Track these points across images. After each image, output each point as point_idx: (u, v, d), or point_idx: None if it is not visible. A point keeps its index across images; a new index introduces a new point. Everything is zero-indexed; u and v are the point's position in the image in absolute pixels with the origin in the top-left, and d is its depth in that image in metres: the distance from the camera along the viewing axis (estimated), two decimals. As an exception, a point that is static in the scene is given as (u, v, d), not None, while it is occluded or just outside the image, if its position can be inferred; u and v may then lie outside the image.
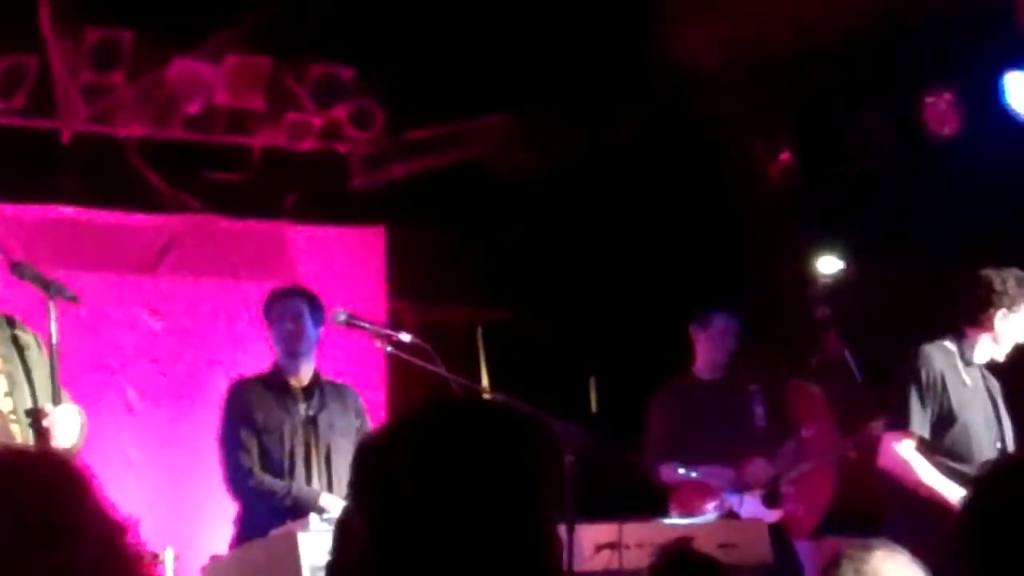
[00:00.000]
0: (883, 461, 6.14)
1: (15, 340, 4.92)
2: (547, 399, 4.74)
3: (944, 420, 6.15)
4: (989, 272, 6.19)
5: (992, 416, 6.26)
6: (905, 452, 6.09)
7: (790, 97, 8.09)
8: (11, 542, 1.98)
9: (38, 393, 4.92)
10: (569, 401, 7.44)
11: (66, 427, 4.84)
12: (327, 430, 6.41)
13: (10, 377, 4.94)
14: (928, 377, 6.14)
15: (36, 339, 5.06)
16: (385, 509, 2.01)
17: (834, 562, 3.32)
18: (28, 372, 4.89)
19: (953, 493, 5.85)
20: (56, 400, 4.94)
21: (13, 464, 2.13)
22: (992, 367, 6.32)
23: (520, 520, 2.01)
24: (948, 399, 6.16)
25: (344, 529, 3.58)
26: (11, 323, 4.97)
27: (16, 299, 5.19)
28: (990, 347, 6.24)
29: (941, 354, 6.23)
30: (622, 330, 8.40)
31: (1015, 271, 6.19)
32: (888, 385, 6.38)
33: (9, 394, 4.92)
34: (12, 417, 4.87)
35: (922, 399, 6.11)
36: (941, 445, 6.12)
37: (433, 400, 2.20)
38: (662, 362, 7.65)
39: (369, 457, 2.08)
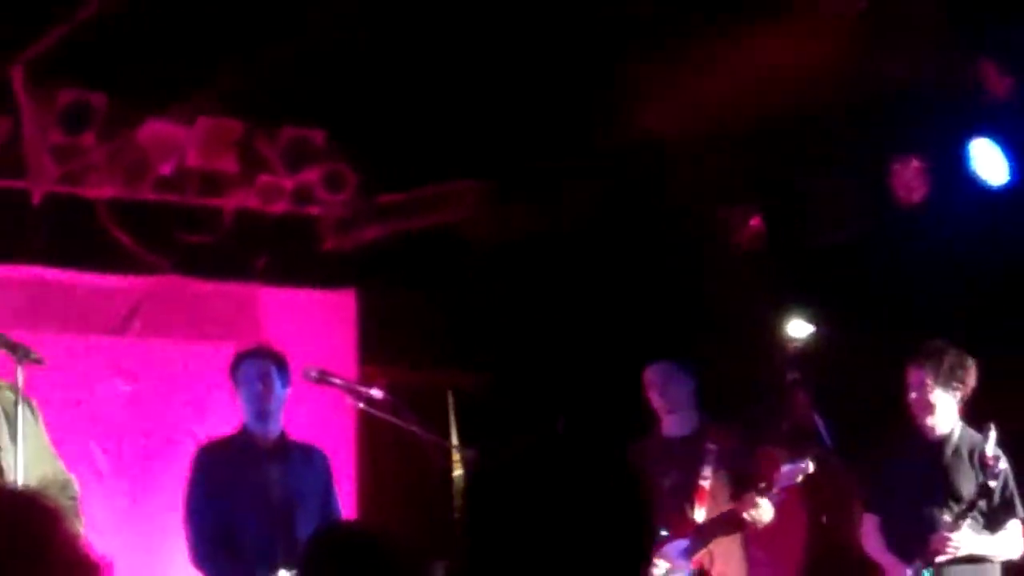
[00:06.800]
0: None
1: (14, 404, 4.96)
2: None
3: None
4: None
5: None
6: None
7: (758, 164, 8.14)
8: None
9: (27, 456, 4.98)
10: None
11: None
12: (294, 493, 6.36)
13: None
14: None
15: (32, 406, 5.19)
16: (498, 542, 2.01)
17: None
18: (15, 436, 4.93)
19: None
20: (48, 463, 5.16)
21: None
22: None
23: (625, 564, 2.03)
24: None
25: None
26: (12, 389, 5.05)
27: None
28: None
29: None
30: (591, 394, 8.39)
31: None
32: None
33: None
34: None
35: None
36: None
37: (554, 437, 2.18)
38: (631, 425, 7.63)
39: (485, 491, 2.07)
